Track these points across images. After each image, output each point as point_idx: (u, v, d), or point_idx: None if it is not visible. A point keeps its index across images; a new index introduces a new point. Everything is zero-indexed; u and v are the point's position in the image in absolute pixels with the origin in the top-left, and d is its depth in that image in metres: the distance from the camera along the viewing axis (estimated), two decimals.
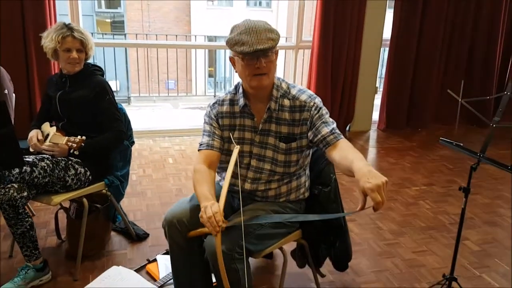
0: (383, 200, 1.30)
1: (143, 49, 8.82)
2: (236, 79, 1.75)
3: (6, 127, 1.79)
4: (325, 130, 1.69)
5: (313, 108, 1.72)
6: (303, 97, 1.74)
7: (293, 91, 1.76)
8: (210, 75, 13.04)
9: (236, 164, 1.66)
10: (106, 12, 15.09)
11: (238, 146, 1.69)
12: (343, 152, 1.61)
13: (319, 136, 1.69)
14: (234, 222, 1.57)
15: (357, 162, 1.45)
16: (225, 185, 1.55)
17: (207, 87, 12.13)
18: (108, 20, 15.18)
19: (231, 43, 1.63)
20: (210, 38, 12.35)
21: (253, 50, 1.57)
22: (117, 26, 14.97)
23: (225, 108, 1.80)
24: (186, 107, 9.02)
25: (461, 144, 1.88)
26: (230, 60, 1.71)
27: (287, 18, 13.99)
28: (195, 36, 12.17)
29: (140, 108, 8.32)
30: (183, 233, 1.68)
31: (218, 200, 1.56)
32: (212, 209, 1.48)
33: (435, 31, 4.74)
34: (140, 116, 6.50)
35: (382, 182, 1.32)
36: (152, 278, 2.24)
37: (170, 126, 4.90)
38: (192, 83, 11.68)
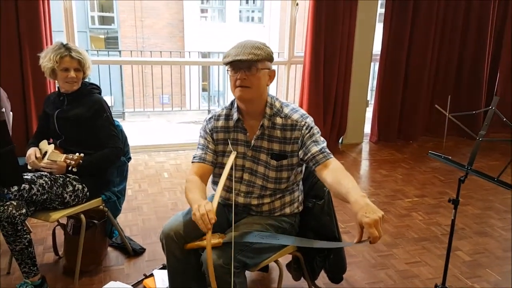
0: (380, 235, 1.35)
1: (137, 65, 8.92)
2: (230, 93, 1.81)
3: (6, 146, 1.82)
4: (314, 149, 1.73)
5: (304, 127, 1.77)
6: (295, 116, 1.79)
7: (286, 110, 1.81)
8: (203, 89, 13.13)
9: (232, 168, 1.72)
10: (99, 28, 15.19)
11: (235, 152, 1.74)
12: (335, 175, 1.63)
13: (309, 154, 1.73)
14: (229, 238, 1.61)
15: (353, 193, 1.49)
16: (220, 184, 1.60)
17: (201, 101, 12.20)
18: (102, 36, 15.26)
19: (223, 57, 1.73)
20: (204, 54, 12.46)
21: (231, 60, 1.66)
22: (111, 42, 15.06)
23: (220, 123, 1.85)
24: (180, 122, 9.06)
25: (449, 157, 1.95)
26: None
27: (279, 33, 14.24)
28: (189, 52, 12.28)
29: (134, 123, 8.35)
30: (180, 245, 1.72)
31: None
32: (206, 207, 1.52)
33: (424, 44, 4.85)
34: (135, 131, 6.53)
35: (379, 217, 1.36)
36: None
37: (165, 141, 4.94)
38: (186, 97, 11.75)
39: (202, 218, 1.49)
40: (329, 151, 1.75)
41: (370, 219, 1.35)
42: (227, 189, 1.89)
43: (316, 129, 1.79)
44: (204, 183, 1.79)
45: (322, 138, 1.79)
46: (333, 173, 1.65)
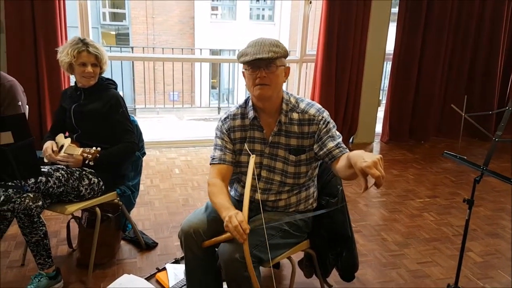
0: (382, 174, 1.34)
1: (149, 61, 8.97)
2: (240, 90, 1.82)
3: (26, 138, 1.85)
4: (330, 144, 1.74)
5: (321, 122, 1.78)
6: (312, 111, 1.80)
7: (302, 105, 1.82)
8: (213, 87, 13.16)
9: (253, 174, 1.71)
10: (111, 24, 15.27)
11: (254, 156, 1.74)
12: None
13: (325, 149, 1.75)
14: (254, 226, 1.63)
15: (352, 152, 1.51)
16: (246, 193, 1.60)
17: (210, 98, 12.24)
18: (113, 33, 15.35)
19: (238, 56, 1.73)
20: (214, 51, 12.47)
21: (252, 59, 1.67)
22: (122, 38, 15.13)
23: (237, 122, 1.86)
24: (190, 119, 9.11)
25: (465, 157, 1.94)
26: (243, 74, 1.79)
27: (290, 32, 14.21)
28: (200, 49, 12.32)
29: (145, 119, 8.40)
30: (199, 243, 1.73)
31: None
32: (238, 218, 1.53)
33: (437, 45, 4.82)
34: (146, 127, 6.58)
35: (377, 158, 1.37)
36: (162, 286, 2.29)
37: (176, 137, 4.96)
38: (195, 95, 11.79)
39: (236, 230, 1.51)
40: (344, 146, 1.76)
41: (368, 162, 1.35)
42: (243, 185, 1.90)
43: (332, 124, 1.80)
44: (226, 185, 1.80)
45: (337, 133, 1.80)
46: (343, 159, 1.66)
